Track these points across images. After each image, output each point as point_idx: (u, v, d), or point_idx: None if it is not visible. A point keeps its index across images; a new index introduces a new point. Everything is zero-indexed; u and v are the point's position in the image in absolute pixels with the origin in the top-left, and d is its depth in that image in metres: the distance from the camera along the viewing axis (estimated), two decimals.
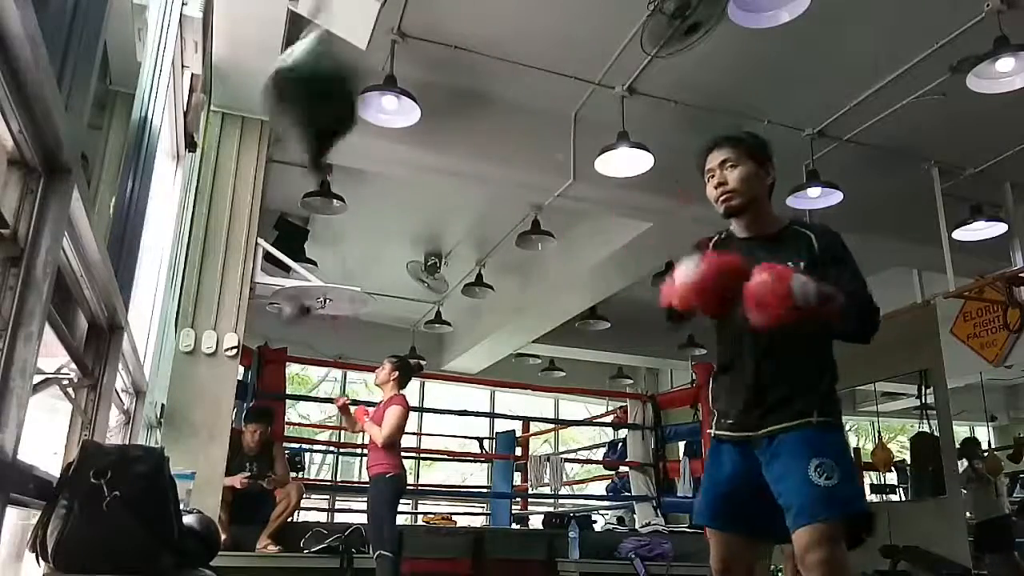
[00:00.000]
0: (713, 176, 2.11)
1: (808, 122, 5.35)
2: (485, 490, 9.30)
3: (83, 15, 1.50)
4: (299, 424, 10.18)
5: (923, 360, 5.95)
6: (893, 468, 6.75)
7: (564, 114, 5.29)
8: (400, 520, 4.62)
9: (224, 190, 4.49)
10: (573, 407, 12.09)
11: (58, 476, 1.58)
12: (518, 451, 8.54)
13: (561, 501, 8.87)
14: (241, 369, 5.15)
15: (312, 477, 9.21)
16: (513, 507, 8.27)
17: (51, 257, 1.22)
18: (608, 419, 8.95)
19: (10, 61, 0.98)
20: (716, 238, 2.20)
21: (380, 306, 8.24)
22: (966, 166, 5.72)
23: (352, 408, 4.70)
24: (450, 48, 4.59)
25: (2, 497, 1.14)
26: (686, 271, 1.85)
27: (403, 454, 4.81)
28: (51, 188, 1.22)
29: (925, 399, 6.02)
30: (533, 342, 9.45)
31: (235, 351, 4.28)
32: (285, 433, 6.57)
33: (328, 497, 8.91)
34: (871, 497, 6.88)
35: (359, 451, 7.81)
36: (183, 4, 3.00)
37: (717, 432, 2.08)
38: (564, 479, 7.78)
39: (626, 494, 7.69)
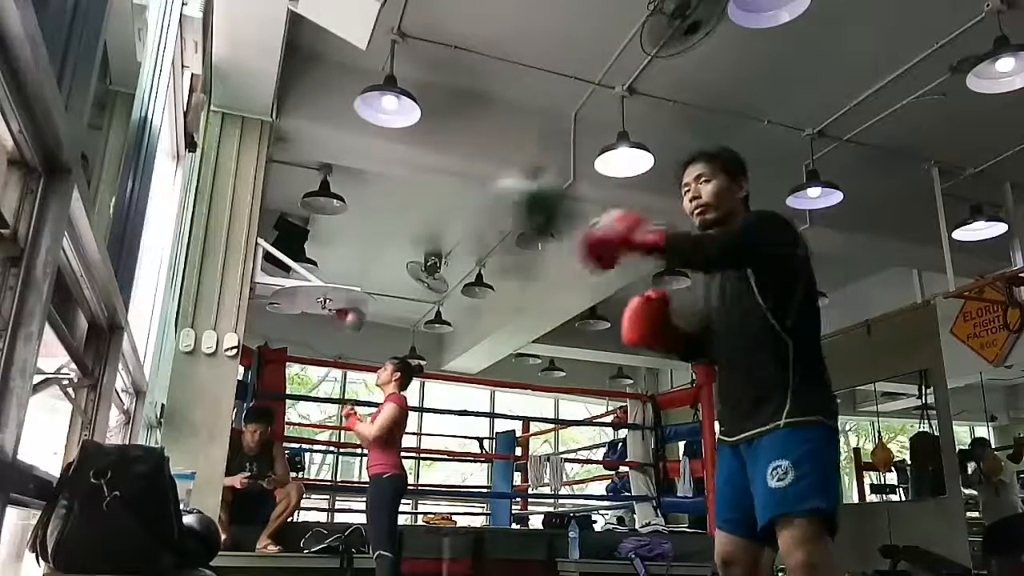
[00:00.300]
0: (688, 190, 2.20)
1: (808, 122, 5.35)
2: (485, 490, 9.30)
3: (83, 15, 1.50)
4: (299, 424, 10.17)
5: (923, 360, 5.95)
6: (893, 468, 6.75)
7: (564, 114, 5.29)
8: (400, 520, 4.61)
9: (224, 190, 4.49)
10: (573, 407, 12.09)
11: (58, 476, 1.58)
12: (518, 451, 8.54)
13: (561, 501, 8.86)
14: (241, 369, 5.15)
15: (312, 477, 9.20)
16: (513, 507, 8.27)
17: (51, 257, 1.22)
18: (608, 419, 8.94)
19: (10, 61, 0.98)
20: None
21: (380, 306, 8.23)
22: (966, 166, 5.72)
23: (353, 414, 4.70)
24: (450, 48, 4.60)
25: (2, 497, 1.14)
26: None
27: (403, 454, 4.81)
28: (51, 188, 1.22)
29: (925, 399, 6.02)
30: (533, 342, 9.45)
31: (235, 351, 4.28)
32: (285, 433, 6.57)
33: (328, 497, 8.91)
34: (871, 497, 6.89)
35: (359, 451, 7.81)
36: (183, 4, 3.01)
37: (718, 436, 2.15)
38: (564, 479, 7.77)
39: (626, 494, 7.68)
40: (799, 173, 5.36)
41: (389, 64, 4.39)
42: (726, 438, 2.08)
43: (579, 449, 11.47)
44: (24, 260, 1.18)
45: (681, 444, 7.61)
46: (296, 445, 7.23)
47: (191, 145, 3.56)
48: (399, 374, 4.55)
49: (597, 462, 9.44)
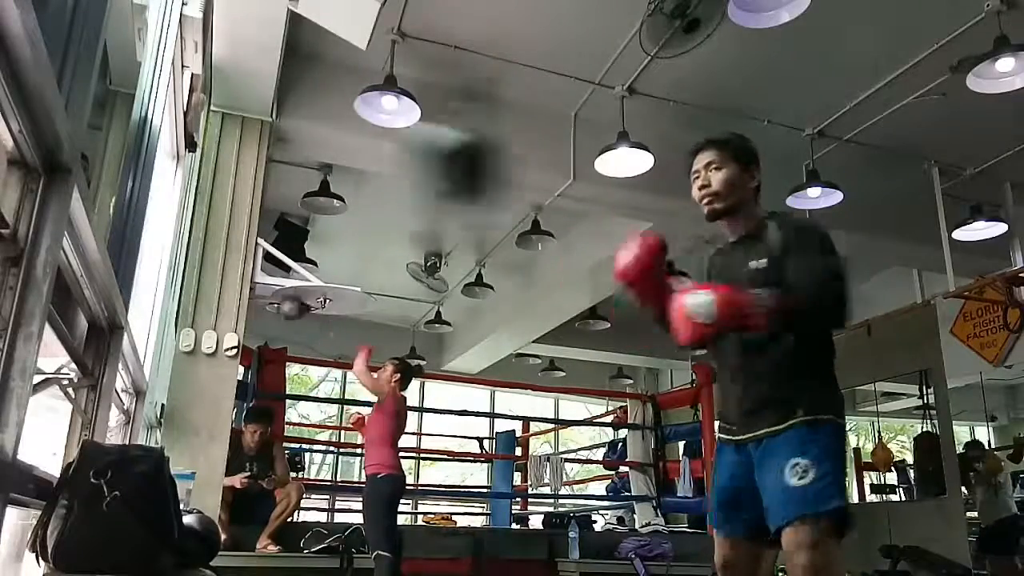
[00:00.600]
0: (698, 178, 2.13)
1: (808, 122, 5.36)
2: (485, 490, 9.30)
3: (83, 15, 1.50)
4: (299, 424, 10.17)
5: (923, 360, 5.95)
6: (893, 468, 6.75)
7: (564, 114, 5.30)
8: (400, 520, 4.61)
9: (224, 190, 4.49)
10: (573, 407, 12.09)
11: (58, 476, 1.57)
12: (518, 451, 8.54)
13: (561, 501, 8.86)
14: (241, 369, 5.15)
15: (312, 477, 9.20)
16: (513, 507, 8.27)
17: (51, 257, 1.22)
18: (608, 419, 8.94)
19: (10, 61, 0.98)
20: (714, 252, 2.25)
21: (380, 306, 8.24)
22: (966, 166, 5.72)
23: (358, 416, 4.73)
24: (450, 48, 4.60)
25: (2, 497, 1.14)
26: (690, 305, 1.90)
27: (403, 454, 4.81)
28: (51, 188, 1.22)
29: (925, 399, 6.01)
30: (533, 342, 9.45)
31: (235, 351, 4.28)
32: (285, 433, 6.57)
33: (328, 497, 8.90)
34: (871, 497, 6.89)
35: (359, 451, 7.81)
36: (183, 4, 3.00)
37: (719, 435, 2.11)
38: (564, 479, 7.77)
39: (626, 494, 7.69)
40: (799, 173, 5.36)
41: (389, 64, 4.39)
42: (732, 437, 2.03)
43: (579, 449, 11.47)
44: (24, 260, 1.18)
45: (681, 444, 7.61)
46: (296, 445, 7.23)
47: (191, 145, 3.56)
48: (399, 375, 4.55)
49: (597, 462, 9.44)
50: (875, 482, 6.94)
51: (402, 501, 4.69)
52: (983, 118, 4.97)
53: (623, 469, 7.90)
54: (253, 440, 4.86)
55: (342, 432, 9.70)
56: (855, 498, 6.96)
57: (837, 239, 2.03)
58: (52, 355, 1.62)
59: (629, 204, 5.70)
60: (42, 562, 1.49)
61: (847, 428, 1.99)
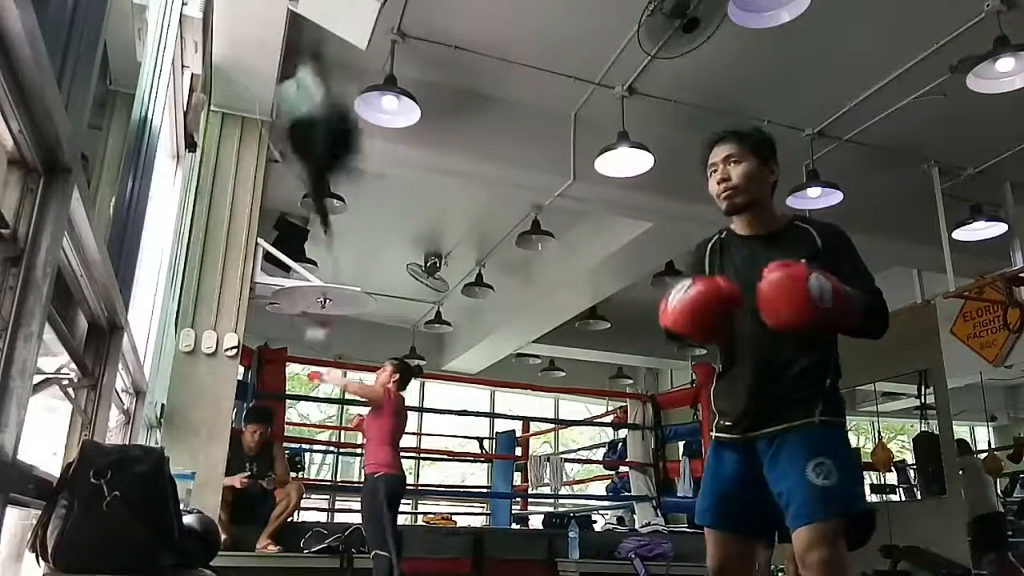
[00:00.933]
0: (716, 171, 2.07)
1: (808, 122, 5.36)
2: (485, 490, 9.30)
3: (83, 15, 1.50)
4: (299, 424, 10.17)
5: (923, 360, 5.95)
6: (893, 468, 6.75)
7: (564, 114, 5.29)
8: (400, 520, 4.61)
9: (224, 190, 4.49)
10: (573, 407, 12.09)
11: (58, 476, 1.57)
12: (518, 451, 8.54)
13: (561, 501, 8.87)
14: (241, 369, 5.15)
15: (312, 477, 9.21)
16: (513, 507, 8.27)
17: (51, 257, 1.22)
18: (608, 419, 8.95)
19: (10, 61, 0.98)
20: (716, 238, 2.17)
21: (380, 306, 8.23)
22: (966, 166, 5.72)
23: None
24: (450, 48, 4.59)
25: (2, 497, 1.14)
26: (678, 296, 1.85)
27: (403, 454, 4.81)
28: (51, 188, 1.22)
29: (925, 399, 6.01)
30: (533, 342, 9.45)
31: (235, 351, 4.28)
32: (285, 433, 6.57)
33: (328, 497, 8.91)
34: (871, 497, 6.89)
35: (359, 451, 7.81)
36: (183, 4, 3.00)
37: (717, 433, 2.06)
38: (564, 479, 7.77)
39: (626, 494, 7.69)
40: (799, 173, 5.36)
41: (389, 64, 4.39)
42: (734, 436, 1.99)
43: (579, 449, 11.48)
44: (24, 260, 1.18)
45: (681, 444, 7.62)
46: (296, 445, 7.23)
47: (191, 145, 3.56)
48: (398, 375, 4.55)
49: (597, 462, 9.45)
50: (875, 482, 6.94)
51: (402, 501, 4.69)
52: (983, 118, 4.97)
53: (623, 469, 7.91)
54: (253, 440, 4.87)
55: (342, 432, 9.71)
56: None
57: None
58: (52, 355, 1.62)
59: (629, 204, 5.70)
60: (42, 562, 1.49)
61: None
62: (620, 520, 7.42)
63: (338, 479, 9.23)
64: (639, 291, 7.20)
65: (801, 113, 5.29)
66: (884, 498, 6.80)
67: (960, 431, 6.22)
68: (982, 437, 7.04)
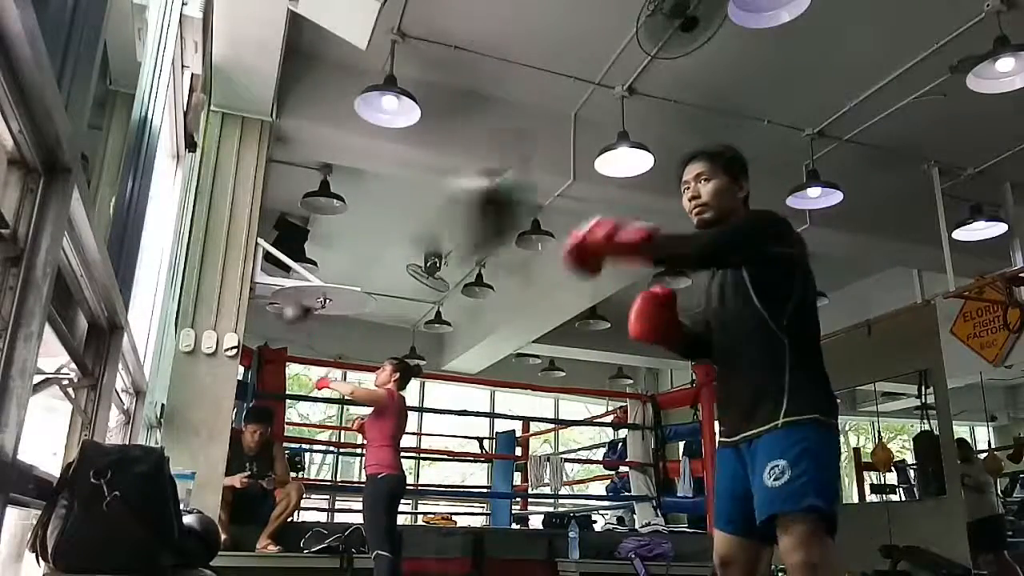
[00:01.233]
0: (688, 188, 2.19)
1: (808, 122, 5.36)
2: (485, 490, 9.30)
3: (83, 15, 1.50)
4: (299, 424, 10.17)
5: (923, 360, 5.95)
6: (893, 468, 6.75)
7: (564, 114, 5.30)
8: (400, 520, 4.61)
9: (224, 190, 4.49)
10: (573, 407, 12.09)
11: (58, 476, 1.57)
12: (518, 451, 8.54)
13: (561, 501, 8.86)
14: (241, 369, 5.15)
15: (312, 477, 9.20)
16: (513, 507, 8.27)
17: (51, 257, 1.22)
18: (608, 419, 8.94)
19: (10, 61, 0.98)
20: None
21: (380, 306, 8.23)
22: (966, 166, 5.72)
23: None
24: (450, 48, 4.60)
25: (2, 497, 1.14)
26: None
27: (403, 454, 4.81)
28: (51, 188, 1.22)
29: (925, 399, 6.02)
30: (533, 342, 9.45)
31: (235, 351, 4.28)
32: (285, 433, 6.57)
33: (328, 497, 8.91)
34: (871, 497, 6.89)
35: (359, 451, 7.81)
36: (183, 4, 3.00)
37: (718, 437, 2.14)
38: (564, 479, 7.77)
39: (626, 494, 7.69)
40: (799, 173, 5.36)
41: (389, 64, 4.39)
42: (726, 439, 2.07)
43: (579, 449, 11.47)
44: (24, 260, 1.17)
45: (681, 444, 7.61)
46: (296, 445, 7.23)
47: (191, 145, 3.56)
48: (398, 375, 4.55)
49: (597, 462, 9.44)
50: (875, 482, 6.95)
51: (402, 501, 4.69)
52: (983, 118, 4.97)
53: (623, 469, 7.90)
54: (253, 440, 4.86)
55: (342, 432, 9.70)
56: (855, 498, 6.97)
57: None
58: (52, 355, 1.62)
59: (629, 204, 5.68)
60: (42, 562, 1.49)
61: (838, 425, 1.96)
62: (620, 520, 7.42)
63: (338, 479, 9.23)
64: (639, 291, 7.18)
65: (801, 113, 5.29)
66: (884, 498, 6.81)
67: (960, 431, 6.23)
68: (982, 437, 7.05)
